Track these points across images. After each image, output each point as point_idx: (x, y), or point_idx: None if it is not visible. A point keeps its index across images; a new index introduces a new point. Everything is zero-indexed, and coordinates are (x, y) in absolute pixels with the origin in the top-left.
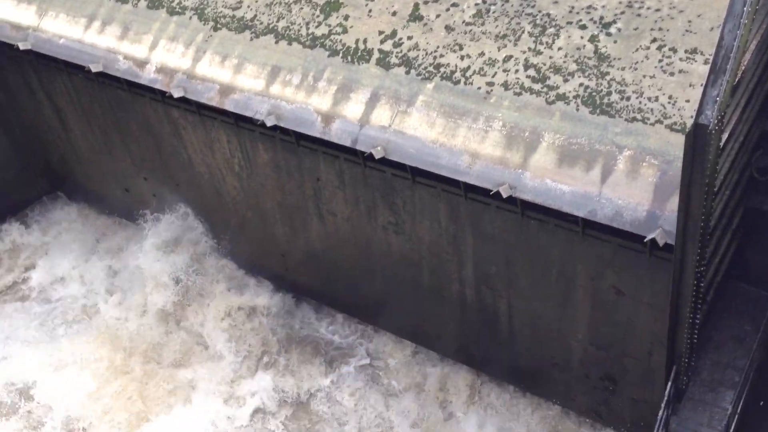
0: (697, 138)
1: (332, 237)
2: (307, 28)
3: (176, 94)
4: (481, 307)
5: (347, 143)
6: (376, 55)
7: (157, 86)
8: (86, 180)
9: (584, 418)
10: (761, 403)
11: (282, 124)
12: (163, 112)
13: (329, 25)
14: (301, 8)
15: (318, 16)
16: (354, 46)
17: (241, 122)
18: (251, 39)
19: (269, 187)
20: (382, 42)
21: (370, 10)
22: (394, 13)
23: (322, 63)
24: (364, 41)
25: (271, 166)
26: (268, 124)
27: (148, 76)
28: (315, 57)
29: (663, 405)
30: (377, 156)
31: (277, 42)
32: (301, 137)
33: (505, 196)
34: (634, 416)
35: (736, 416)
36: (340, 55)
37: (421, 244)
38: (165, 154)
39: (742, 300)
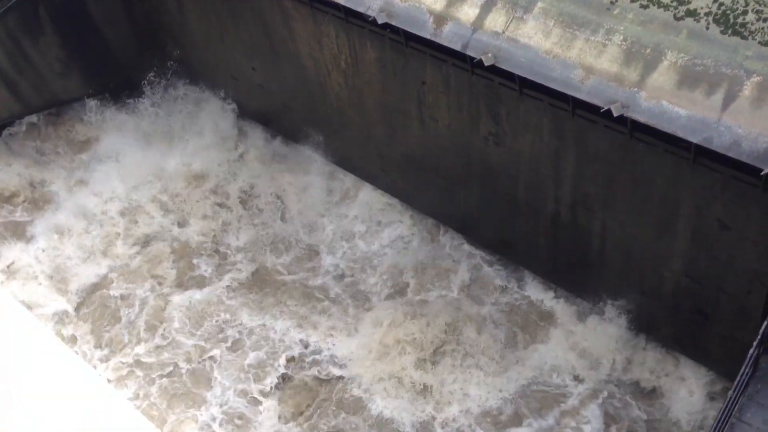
0: None
1: (431, 142)
2: None
3: None
4: (574, 227)
5: (457, 47)
6: None
7: None
8: (198, 65)
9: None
10: None
11: (393, 23)
12: (276, 2)
13: None
14: None
15: None
16: None
17: (351, 17)
18: None
19: (373, 87)
20: None
21: None
22: None
23: None
24: None
25: (377, 66)
26: (379, 21)
27: None
28: None
29: (756, 343)
30: (487, 63)
31: None
32: (410, 37)
33: (616, 114)
34: (721, 353)
35: None
36: None
37: (520, 157)
38: (275, 45)
39: None
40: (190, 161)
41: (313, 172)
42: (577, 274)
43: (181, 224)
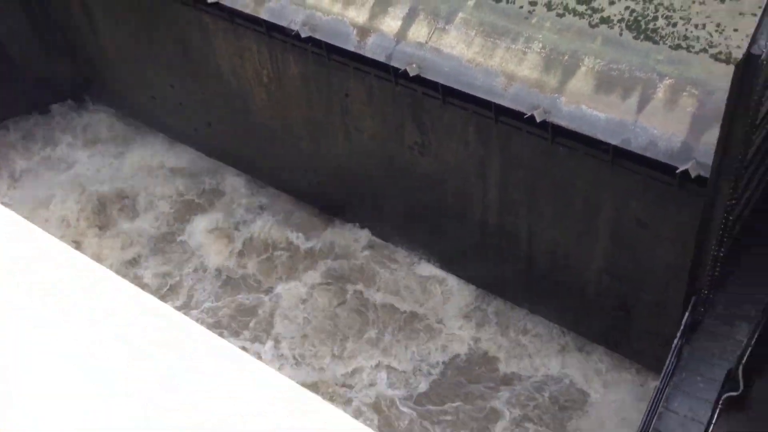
0: (747, 68)
1: (357, 153)
2: None
3: None
4: (501, 232)
5: (381, 59)
6: None
7: None
8: (113, 84)
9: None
10: None
11: (317, 36)
12: (195, 18)
13: None
14: None
15: None
16: None
17: (273, 32)
18: None
19: (297, 101)
20: None
21: None
22: None
23: None
24: None
25: (300, 79)
26: (303, 35)
27: None
28: None
29: (679, 334)
30: (412, 73)
31: None
32: (333, 50)
33: (539, 120)
34: (644, 346)
35: (750, 349)
36: None
37: (447, 166)
38: (194, 61)
39: (765, 235)
40: (116, 185)
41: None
42: (506, 278)
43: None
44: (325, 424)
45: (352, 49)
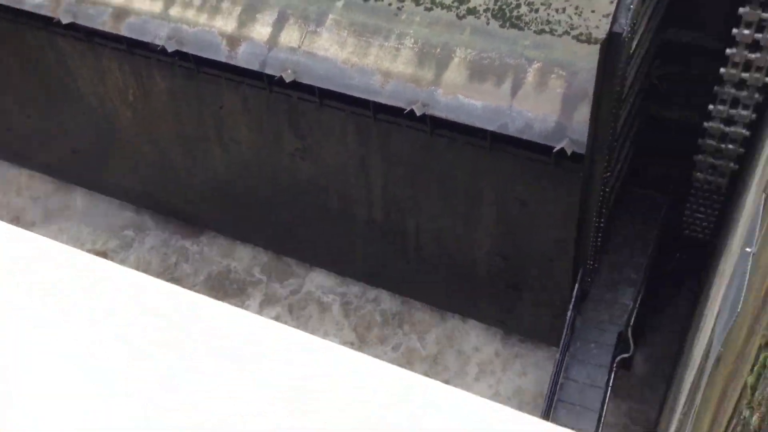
0: (611, 46)
1: (236, 165)
2: None
3: (65, 20)
4: (389, 227)
5: (255, 67)
6: None
7: (43, 12)
8: None
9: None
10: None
11: (185, 50)
12: (48, 42)
13: None
14: None
15: None
16: None
17: (136, 49)
18: None
19: (167, 117)
20: None
21: None
22: None
23: None
24: None
25: (168, 95)
26: (169, 49)
27: (32, 1)
28: None
29: (570, 306)
30: (288, 79)
31: None
32: (201, 62)
33: (419, 113)
34: (535, 321)
35: (635, 311)
36: None
37: (328, 168)
38: (50, 86)
39: (637, 203)
40: None
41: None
42: (398, 273)
43: None
44: (326, 425)
45: (223, 59)
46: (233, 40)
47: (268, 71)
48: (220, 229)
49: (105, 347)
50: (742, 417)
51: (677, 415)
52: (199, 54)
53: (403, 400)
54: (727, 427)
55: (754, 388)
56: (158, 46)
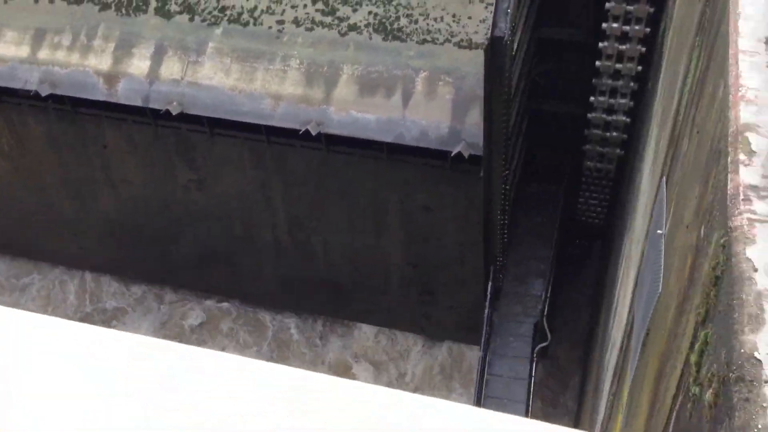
0: (494, 50)
1: (129, 205)
2: None
3: None
4: (297, 248)
5: (138, 103)
6: (153, 4)
7: None
8: None
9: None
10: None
11: (59, 92)
12: None
13: None
14: None
15: None
16: None
17: (4, 96)
18: (5, 1)
19: (47, 164)
20: None
21: None
22: None
23: (93, 19)
24: None
25: (46, 140)
26: (43, 93)
27: None
28: (84, 13)
29: (487, 304)
30: (174, 112)
31: (36, 1)
32: (78, 103)
33: (314, 133)
34: (452, 323)
35: (547, 301)
36: (113, 8)
37: (227, 196)
38: None
39: (534, 196)
40: None
41: None
42: (310, 294)
43: None
44: (326, 425)
45: (102, 98)
46: (111, 78)
47: (153, 105)
48: (117, 272)
49: (105, 347)
50: (691, 394)
51: (605, 396)
52: (75, 95)
53: (401, 406)
54: (672, 405)
55: (698, 365)
56: (30, 91)
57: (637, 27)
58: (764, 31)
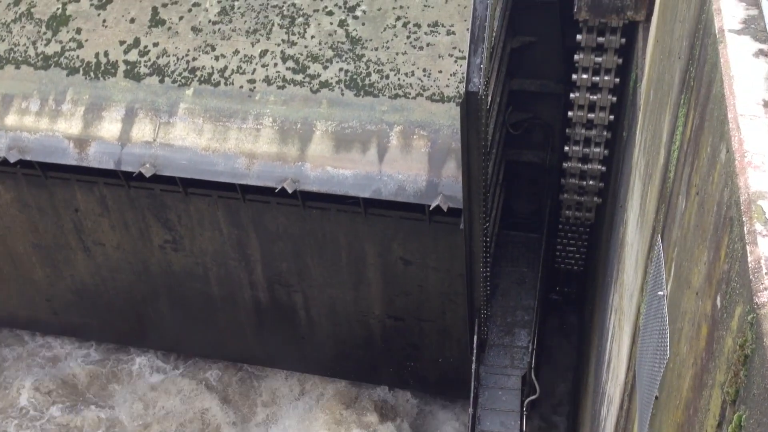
0: (469, 105)
1: (104, 269)
2: (35, 48)
3: None
4: (277, 306)
5: (110, 166)
6: (122, 67)
7: None
8: None
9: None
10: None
11: (28, 157)
12: None
13: (61, 41)
14: (23, 26)
15: (45, 33)
16: (95, 60)
17: None
18: None
19: (18, 229)
20: (126, 52)
21: (104, 20)
22: (132, 20)
23: (61, 84)
24: (106, 54)
25: (17, 206)
26: (12, 159)
27: None
28: (52, 78)
29: (474, 358)
30: (147, 174)
31: (1, 67)
32: (48, 168)
33: (291, 191)
34: (438, 375)
35: (534, 350)
36: (81, 72)
37: (204, 256)
38: None
39: (514, 246)
40: None
41: None
42: (293, 351)
43: None
44: None
45: (73, 162)
46: (81, 142)
47: (125, 168)
48: (93, 338)
49: None
50: None
51: None
52: (45, 160)
53: None
54: None
55: None
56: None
57: (606, 77)
58: (762, 94)
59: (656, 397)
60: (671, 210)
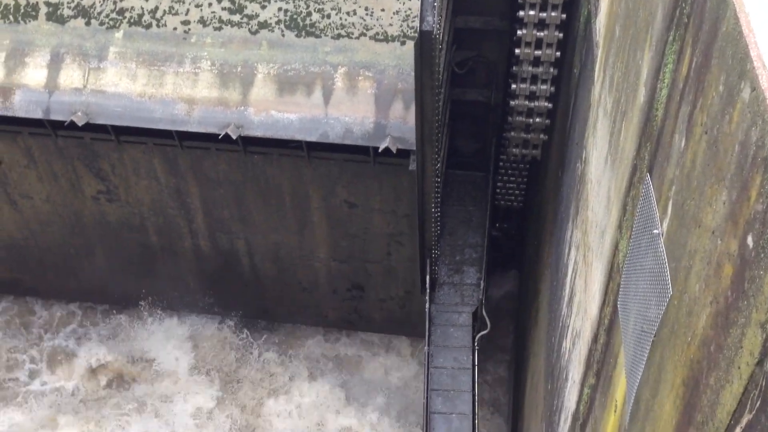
0: (423, 44)
1: (32, 222)
2: None
3: None
4: (219, 253)
5: (38, 115)
6: (43, 9)
7: None
8: None
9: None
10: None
11: None
12: None
13: None
14: None
15: None
16: (14, 2)
17: None
18: None
19: None
20: None
21: None
22: None
23: None
24: None
25: None
26: None
27: None
28: None
29: (427, 297)
30: (80, 123)
31: None
32: None
33: (235, 137)
34: (384, 315)
35: (482, 287)
36: None
37: (141, 206)
38: None
39: (459, 185)
40: None
41: None
42: (239, 297)
43: None
44: None
45: None
46: (4, 90)
47: (55, 117)
48: (23, 292)
49: None
50: None
51: (570, 387)
52: None
53: None
54: (731, 422)
55: None
56: None
57: (554, 13)
58: None
59: (654, 335)
60: (662, 148)
